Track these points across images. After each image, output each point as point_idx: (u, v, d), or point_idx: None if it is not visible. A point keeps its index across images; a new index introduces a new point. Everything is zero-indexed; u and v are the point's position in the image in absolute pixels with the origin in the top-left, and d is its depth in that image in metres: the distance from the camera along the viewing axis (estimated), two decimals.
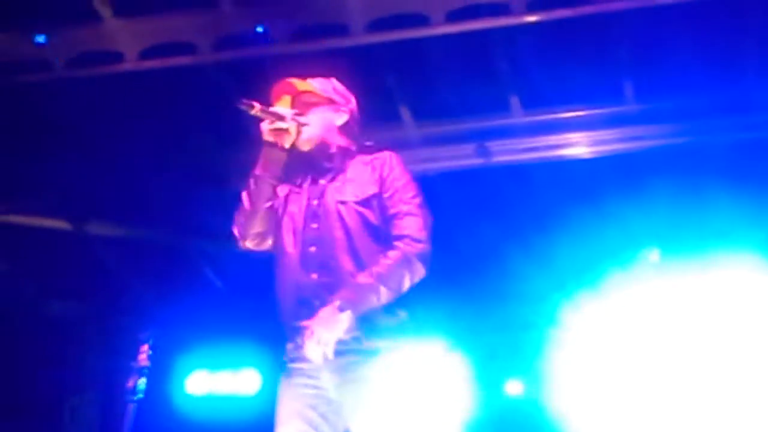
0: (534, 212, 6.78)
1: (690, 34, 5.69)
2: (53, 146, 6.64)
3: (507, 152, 6.19)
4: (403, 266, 3.38)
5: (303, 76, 3.70)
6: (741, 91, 5.99)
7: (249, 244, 3.63)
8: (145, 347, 4.95)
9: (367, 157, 3.64)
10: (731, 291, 6.69)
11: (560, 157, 6.28)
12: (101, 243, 7.29)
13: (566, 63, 5.88)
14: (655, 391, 6.80)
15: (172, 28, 5.88)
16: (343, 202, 3.50)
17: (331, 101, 3.68)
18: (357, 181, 3.56)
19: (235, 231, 3.62)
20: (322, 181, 3.60)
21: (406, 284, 3.39)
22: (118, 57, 5.95)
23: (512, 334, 7.68)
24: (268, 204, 3.56)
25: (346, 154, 3.66)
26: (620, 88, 6.03)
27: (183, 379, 8.18)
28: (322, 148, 3.63)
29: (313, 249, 3.45)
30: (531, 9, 5.41)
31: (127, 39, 5.92)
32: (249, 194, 3.57)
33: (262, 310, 7.17)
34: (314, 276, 3.42)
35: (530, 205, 6.73)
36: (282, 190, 3.61)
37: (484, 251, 7.12)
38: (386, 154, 3.64)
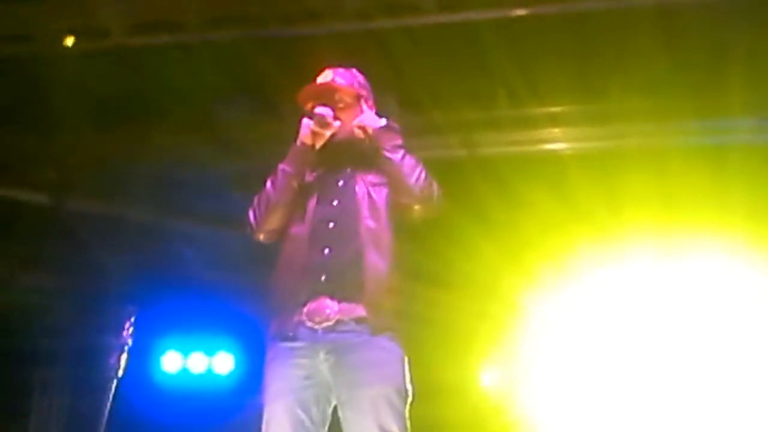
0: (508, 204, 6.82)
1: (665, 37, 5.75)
2: (35, 120, 6.61)
3: (492, 144, 6.22)
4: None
5: (324, 67, 3.77)
6: (720, 97, 6.03)
7: (262, 237, 3.68)
8: (128, 324, 4.95)
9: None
10: (701, 280, 6.79)
11: (542, 151, 6.31)
12: (80, 219, 7.27)
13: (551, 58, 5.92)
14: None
15: (160, 5, 5.86)
16: (374, 184, 3.63)
17: (359, 98, 3.77)
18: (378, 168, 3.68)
19: (251, 218, 3.68)
20: (347, 167, 3.71)
21: (424, 179, 3.56)
22: (104, 32, 5.92)
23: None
24: (291, 199, 3.62)
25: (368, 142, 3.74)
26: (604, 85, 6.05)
27: (158, 358, 8.19)
28: (350, 142, 3.73)
29: (331, 225, 3.52)
30: (520, 3, 5.45)
31: (113, 14, 5.89)
32: (274, 186, 3.64)
33: (241, 293, 7.27)
34: (326, 251, 3.47)
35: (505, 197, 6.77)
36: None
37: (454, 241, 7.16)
38: None
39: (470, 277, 7.24)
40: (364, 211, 3.50)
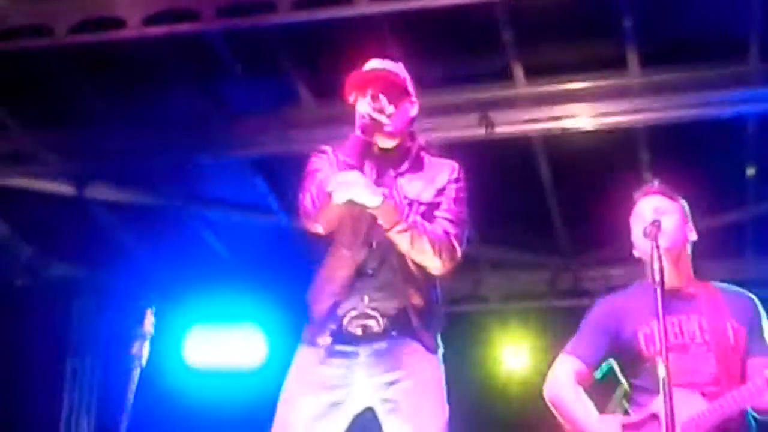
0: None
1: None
2: (54, 111, 6.63)
3: (510, 123, 6.15)
4: (441, 238, 3.43)
5: (369, 57, 3.64)
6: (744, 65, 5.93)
7: (318, 228, 3.50)
8: (149, 313, 4.93)
9: (430, 159, 3.65)
10: None
11: (563, 128, 6.23)
12: (102, 207, 7.31)
13: (569, 34, 5.87)
14: None
15: None
16: (412, 201, 3.50)
17: (407, 91, 3.61)
18: (424, 181, 3.56)
19: (308, 204, 3.47)
20: (391, 172, 3.57)
21: (433, 252, 3.40)
22: (120, 24, 5.90)
23: None
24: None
25: (414, 147, 3.65)
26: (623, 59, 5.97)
27: (183, 347, 8.09)
28: (398, 139, 3.60)
29: (374, 245, 3.46)
30: None
31: (129, 5, 5.88)
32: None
33: (267, 279, 7.24)
34: (369, 272, 3.45)
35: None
36: None
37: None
38: (453, 164, 3.64)
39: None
40: None
